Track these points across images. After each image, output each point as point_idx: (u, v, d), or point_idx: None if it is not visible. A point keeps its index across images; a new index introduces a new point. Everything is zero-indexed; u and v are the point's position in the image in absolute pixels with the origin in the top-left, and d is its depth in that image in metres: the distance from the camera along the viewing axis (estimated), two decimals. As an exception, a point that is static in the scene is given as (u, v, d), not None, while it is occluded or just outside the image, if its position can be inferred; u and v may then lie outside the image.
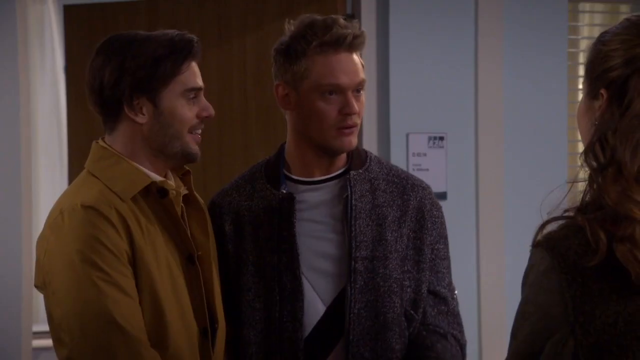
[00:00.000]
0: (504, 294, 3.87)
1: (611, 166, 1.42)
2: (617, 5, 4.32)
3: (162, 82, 1.89)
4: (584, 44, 4.28)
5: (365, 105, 3.90)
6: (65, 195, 1.93)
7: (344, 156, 2.13)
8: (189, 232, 1.97)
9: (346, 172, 2.11)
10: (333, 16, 2.06)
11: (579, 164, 1.49)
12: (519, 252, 3.88)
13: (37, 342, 4.81)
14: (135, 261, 1.84)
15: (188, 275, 1.93)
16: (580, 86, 4.26)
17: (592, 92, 1.49)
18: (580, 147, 4.47)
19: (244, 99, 3.68)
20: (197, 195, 2.04)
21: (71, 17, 3.91)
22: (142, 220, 1.87)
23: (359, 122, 2.06)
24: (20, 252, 3.85)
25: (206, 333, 1.94)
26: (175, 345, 1.86)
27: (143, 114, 1.90)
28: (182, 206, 1.98)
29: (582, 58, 4.25)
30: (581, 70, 4.24)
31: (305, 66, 2.03)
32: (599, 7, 4.26)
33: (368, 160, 2.14)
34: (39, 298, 5.24)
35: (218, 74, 3.73)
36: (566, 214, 1.46)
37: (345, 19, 2.06)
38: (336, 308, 2.04)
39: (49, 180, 5.33)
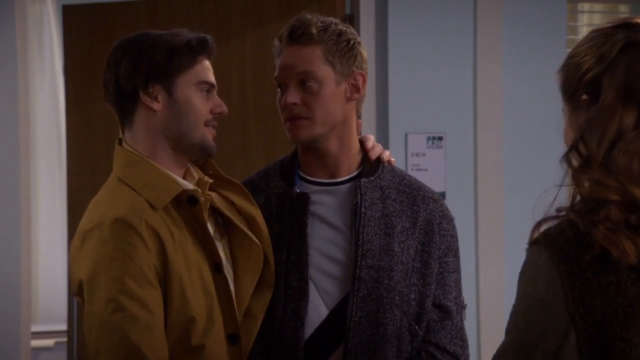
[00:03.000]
0: (503, 294, 3.87)
1: (585, 160, 1.48)
2: (616, 5, 4.32)
3: (178, 71, 1.93)
4: (583, 44, 4.28)
5: (364, 106, 3.91)
6: (97, 204, 1.92)
7: (351, 160, 2.11)
8: (224, 241, 1.99)
9: (358, 177, 2.10)
10: (302, 12, 2.08)
11: (562, 165, 1.56)
12: (518, 252, 3.89)
13: (36, 342, 4.82)
14: (166, 273, 1.85)
15: (216, 283, 1.93)
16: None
17: (574, 106, 1.58)
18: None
19: (243, 99, 3.68)
20: (227, 176, 2.06)
21: (70, 17, 3.90)
22: (173, 229, 1.89)
23: (307, 114, 2.03)
24: (19, 252, 3.85)
25: (234, 340, 1.94)
26: (206, 351, 1.87)
27: (158, 102, 1.93)
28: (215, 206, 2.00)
29: (581, 58, 4.25)
30: (580, 71, 4.25)
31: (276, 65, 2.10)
32: (597, 7, 4.27)
33: (380, 168, 2.13)
34: (38, 298, 5.25)
35: (217, 74, 3.71)
36: (560, 213, 1.50)
37: (306, 15, 2.06)
38: (339, 313, 2.03)
39: (48, 180, 5.33)
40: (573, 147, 1.53)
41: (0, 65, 3.83)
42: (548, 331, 1.42)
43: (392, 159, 2.20)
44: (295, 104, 2.02)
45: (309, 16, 2.05)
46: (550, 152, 4.05)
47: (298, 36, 2.03)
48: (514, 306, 1.49)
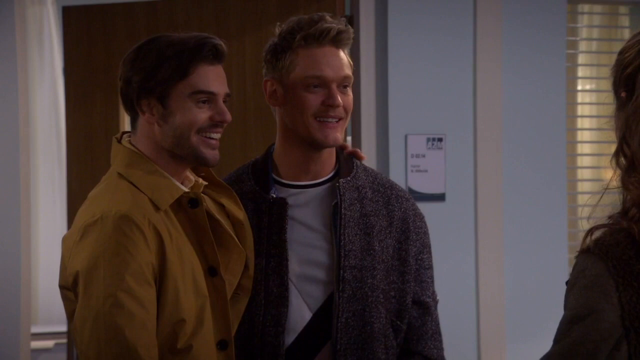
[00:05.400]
0: (502, 296, 3.86)
1: (630, 162, 1.44)
2: (615, 7, 4.32)
3: (165, 83, 1.89)
4: (583, 45, 4.28)
5: (364, 107, 3.88)
6: (98, 198, 1.91)
7: (331, 162, 2.12)
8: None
9: (333, 178, 2.10)
10: (321, 13, 2.07)
11: (612, 167, 1.49)
12: (518, 253, 3.90)
13: (36, 344, 4.81)
14: (162, 273, 1.85)
15: (209, 287, 1.93)
16: (580, 87, 4.27)
17: (618, 102, 1.51)
18: (579, 148, 4.46)
19: (243, 101, 3.68)
20: (218, 179, 2.06)
21: (70, 19, 3.90)
22: (172, 230, 1.89)
23: (344, 116, 2.05)
24: (19, 253, 3.84)
25: (224, 345, 1.94)
26: (193, 353, 1.87)
27: (152, 114, 1.92)
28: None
29: (581, 59, 4.25)
30: (580, 72, 4.25)
31: (291, 60, 2.04)
32: (597, 8, 4.26)
33: (355, 168, 2.14)
34: (37, 299, 5.24)
35: (217, 75, 3.72)
36: (609, 221, 1.46)
37: (332, 16, 2.07)
38: (322, 315, 2.04)
39: (47, 180, 5.33)
40: (618, 148, 1.47)
41: (0, 66, 3.83)
42: (600, 342, 1.40)
43: (363, 156, 2.23)
44: (341, 105, 2.04)
45: (331, 17, 2.06)
46: (550, 153, 4.07)
47: (342, 39, 2.05)
48: (565, 315, 1.46)
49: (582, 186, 4.22)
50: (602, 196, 1.49)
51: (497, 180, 3.87)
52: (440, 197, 3.76)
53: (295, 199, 2.08)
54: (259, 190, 2.09)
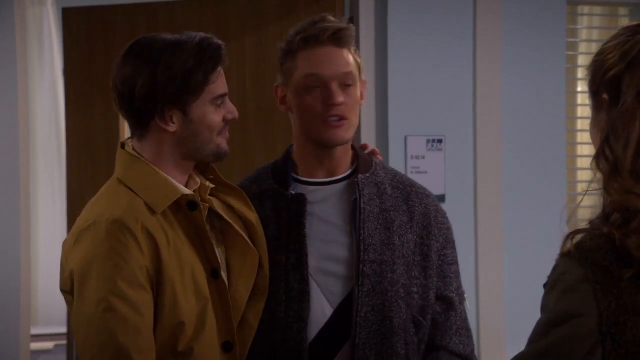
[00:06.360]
0: (502, 297, 3.87)
1: (613, 166, 1.43)
2: (615, 8, 4.32)
3: (194, 93, 1.90)
4: (583, 47, 4.28)
5: (364, 108, 3.88)
6: (95, 204, 1.92)
7: (347, 160, 2.12)
8: (221, 249, 1.99)
9: (352, 175, 2.11)
10: (324, 14, 2.08)
11: (593, 170, 1.49)
12: (518, 254, 3.91)
13: (36, 345, 4.81)
14: (159, 277, 1.85)
15: (212, 289, 1.92)
16: (579, 88, 4.27)
17: (597, 104, 1.51)
18: (579, 150, 4.46)
19: (243, 102, 3.68)
20: (227, 181, 2.06)
21: (70, 20, 3.91)
22: (169, 233, 1.88)
23: (348, 115, 2.04)
24: (19, 254, 3.84)
25: (229, 347, 1.94)
26: (194, 356, 1.87)
27: (173, 123, 1.91)
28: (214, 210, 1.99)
29: (580, 60, 4.25)
30: (580, 73, 4.25)
31: (292, 63, 2.05)
32: (597, 10, 4.27)
33: (374, 165, 2.15)
34: (37, 300, 5.24)
35: (217, 76, 3.72)
36: (589, 225, 1.46)
37: (334, 16, 2.07)
38: (344, 311, 2.04)
39: (47, 181, 5.33)
40: (600, 152, 1.47)
41: (1, 66, 3.84)
42: (576, 345, 1.40)
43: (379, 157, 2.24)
44: (342, 104, 2.03)
45: (333, 17, 2.06)
46: (550, 154, 4.07)
47: (341, 37, 2.04)
48: (543, 318, 1.46)
49: (582, 187, 4.22)
50: (582, 198, 1.49)
51: (497, 181, 3.87)
52: (440, 199, 3.76)
53: (314, 195, 2.09)
54: (278, 188, 2.10)
